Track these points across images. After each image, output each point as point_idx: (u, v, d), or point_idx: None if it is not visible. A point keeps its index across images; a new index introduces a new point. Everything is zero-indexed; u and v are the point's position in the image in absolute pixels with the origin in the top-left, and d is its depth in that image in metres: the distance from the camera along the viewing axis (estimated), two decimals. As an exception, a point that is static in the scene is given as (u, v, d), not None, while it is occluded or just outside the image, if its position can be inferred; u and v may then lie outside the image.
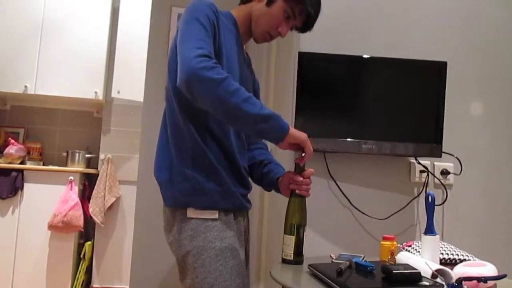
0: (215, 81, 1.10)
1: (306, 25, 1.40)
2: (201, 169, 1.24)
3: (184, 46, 1.16)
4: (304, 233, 1.33)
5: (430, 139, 1.75)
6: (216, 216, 1.24)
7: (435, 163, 1.92)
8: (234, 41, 1.33)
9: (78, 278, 3.31)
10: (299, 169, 1.32)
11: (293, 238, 1.31)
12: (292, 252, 1.31)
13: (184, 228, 1.24)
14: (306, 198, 1.33)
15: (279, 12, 1.34)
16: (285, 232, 1.33)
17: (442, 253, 1.43)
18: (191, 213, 1.24)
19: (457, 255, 1.45)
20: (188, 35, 1.18)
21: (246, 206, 1.35)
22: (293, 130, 1.21)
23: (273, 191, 1.47)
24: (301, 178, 1.30)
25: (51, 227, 3.14)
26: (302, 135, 1.23)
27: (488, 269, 1.17)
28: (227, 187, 1.27)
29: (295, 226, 1.32)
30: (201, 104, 1.16)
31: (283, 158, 1.77)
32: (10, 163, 3.32)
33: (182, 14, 1.27)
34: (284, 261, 1.32)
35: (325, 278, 1.12)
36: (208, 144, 1.25)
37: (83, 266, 3.37)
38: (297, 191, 1.32)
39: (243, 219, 1.36)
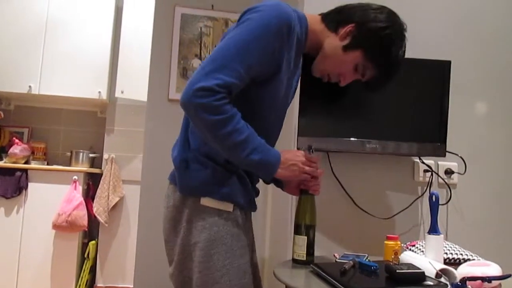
0: (206, 122, 1.07)
1: (371, 86, 1.33)
2: (222, 160, 1.21)
3: (208, 64, 1.07)
4: (314, 233, 1.34)
5: (434, 138, 1.74)
6: (231, 209, 1.21)
7: (439, 162, 1.92)
8: (295, 51, 1.21)
9: (82, 277, 3.32)
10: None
11: (305, 238, 1.32)
12: (305, 252, 1.32)
13: (195, 218, 1.20)
14: None
15: (351, 62, 1.24)
16: (296, 233, 1.33)
17: (446, 253, 1.43)
18: (206, 202, 1.19)
19: (461, 254, 1.44)
20: (227, 51, 1.08)
21: (255, 207, 1.33)
22: (280, 173, 1.19)
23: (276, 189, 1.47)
24: (310, 171, 1.29)
25: (56, 226, 3.15)
26: (291, 174, 1.21)
27: (492, 269, 1.17)
28: (245, 183, 1.25)
29: (307, 226, 1.32)
30: None
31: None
32: (14, 162, 3.33)
33: (252, 11, 1.14)
34: (297, 261, 1.33)
35: (329, 278, 1.12)
36: None
37: (87, 266, 3.38)
38: (307, 187, 1.32)
39: (250, 220, 1.35)
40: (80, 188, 3.30)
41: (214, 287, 1.17)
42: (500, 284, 1.14)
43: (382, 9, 1.26)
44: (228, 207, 1.20)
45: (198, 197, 1.20)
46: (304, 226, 1.32)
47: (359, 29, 1.22)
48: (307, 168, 1.24)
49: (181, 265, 1.24)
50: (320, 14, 1.30)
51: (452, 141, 1.82)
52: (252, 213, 1.35)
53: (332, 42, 1.25)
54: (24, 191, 3.23)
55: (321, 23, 1.28)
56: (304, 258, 1.31)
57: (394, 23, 1.25)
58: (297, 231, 1.33)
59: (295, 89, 1.40)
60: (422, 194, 1.89)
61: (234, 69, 1.07)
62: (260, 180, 1.37)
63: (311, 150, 1.31)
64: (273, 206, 2.26)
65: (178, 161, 1.25)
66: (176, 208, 1.24)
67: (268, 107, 1.24)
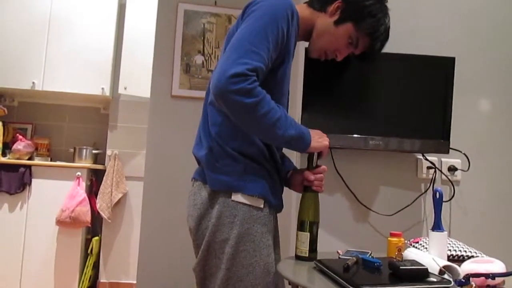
0: (244, 106, 1.09)
1: (364, 56, 1.40)
2: (251, 157, 1.22)
3: (232, 53, 1.11)
4: (318, 230, 1.34)
5: (438, 135, 1.74)
6: (262, 205, 1.21)
7: (443, 159, 1.91)
8: (294, 40, 1.28)
9: (85, 273, 3.34)
10: (311, 166, 1.34)
11: (308, 235, 1.32)
12: (308, 249, 1.32)
13: (225, 214, 1.19)
14: None
15: (344, 35, 1.32)
16: (300, 229, 1.34)
17: (449, 250, 1.43)
18: (237, 197, 1.19)
19: (465, 251, 1.44)
20: (246, 40, 1.12)
21: (282, 206, 1.33)
22: (313, 145, 1.24)
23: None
24: (313, 177, 1.31)
25: (59, 222, 3.16)
26: (322, 145, 1.27)
27: (496, 266, 1.17)
28: (275, 180, 1.27)
29: (310, 223, 1.32)
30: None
31: (292, 152, 1.76)
32: (18, 159, 3.34)
33: (255, 2, 1.20)
34: (299, 258, 1.33)
35: (332, 274, 1.12)
36: (256, 138, 1.23)
37: (90, 261, 3.39)
38: (310, 184, 1.33)
39: (275, 219, 1.33)
40: (83, 184, 3.31)
41: (238, 284, 1.18)
42: (503, 281, 1.14)
43: None
44: (260, 203, 1.21)
45: (229, 193, 1.20)
46: (307, 222, 1.32)
47: (346, 3, 1.31)
48: (326, 139, 1.30)
49: (204, 261, 1.24)
50: (304, 3, 1.38)
51: (455, 138, 1.81)
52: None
53: (323, 20, 1.33)
54: (27, 187, 3.24)
55: (308, 8, 1.36)
56: (307, 255, 1.31)
57: None
58: (301, 227, 1.33)
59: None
60: (426, 191, 1.89)
61: (258, 54, 1.11)
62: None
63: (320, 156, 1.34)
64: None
65: (207, 157, 1.24)
66: (204, 205, 1.23)
67: (278, 92, 1.26)
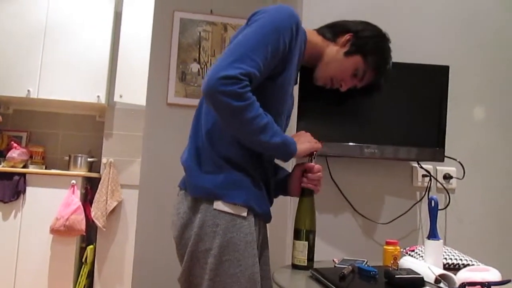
0: (231, 108, 1.09)
1: (367, 90, 1.44)
2: (237, 164, 1.21)
3: (228, 55, 1.12)
4: (314, 238, 1.34)
5: (433, 143, 1.75)
6: (245, 214, 1.19)
7: (438, 167, 1.92)
8: (297, 59, 1.29)
9: (80, 282, 3.31)
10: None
11: (306, 244, 1.31)
12: (306, 257, 1.31)
13: (207, 223, 1.17)
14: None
15: (352, 66, 1.36)
16: (296, 238, 1.33)
17: (445, 258, 1.43)
18: (219, 206, 1.18)
19: (461, 260, 1.44)
20: (244, 45, 1.14)
21: (270, 217, 1.31)
22: (299, 150, 1.25)
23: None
24: (312, 165, 1.34)
25: (53, 230, 3.14)
26: (306, 148, 1.28)
27: (492, 274, 1.17)
28: (260, 189, 1.25)
29: (307, 231, 1.32)
30: None
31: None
32: (12, 166, 3.32)
33: (261, 12, 1.21)
34: (297, 267, 1.32)
35: (328, 283, 1.12)
36: (244, 146, 1.22)
37: (85, 270, 3.36)
38: (308, 185, 1.34)
39: (262, 230, 1.31)
40: (78, 193, 3.29)
41: None
42: (499, 290, 1.14)
43: (366, 22, 1.44)
44: (243, 211, 1.19)
45: (211, 201, 1.19)
46: (304, 231, 1.32)
47: (357, 37, 1.37)
48: (314, 140, 1.34)
49: (188, 272, 1.21)
50: (314, 29, 1.43)
51: (450, 146, 1.82)
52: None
53: (333, 49, 1.38)
54: (22, 195, 3.22)
55: (318, 35, 1.40)
56: (305, 264, 1.31)
57: (380, 32, 1.43)
58: (297, 236, 1.33)
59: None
60: (421, 199, 1.89)
61: (253, 60, 1.12)
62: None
63: (313, 156, 1.34)
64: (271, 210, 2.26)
65: (189, 162, 1.24)
66: (187, 214, 1.22)
67: (276, 105, 1.27)
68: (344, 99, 1.60)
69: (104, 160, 3.66)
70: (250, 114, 1.11)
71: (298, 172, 1.38)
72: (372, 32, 1.40)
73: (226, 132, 1.21)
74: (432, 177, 1.89)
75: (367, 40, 1.37)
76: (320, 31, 1.41)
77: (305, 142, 1.30)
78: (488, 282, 1.09)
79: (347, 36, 1.36)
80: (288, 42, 1.20)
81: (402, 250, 1.51)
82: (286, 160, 1.27)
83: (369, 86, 1.44)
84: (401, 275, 1.08)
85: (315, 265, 1.31)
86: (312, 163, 1.35)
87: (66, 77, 3.53)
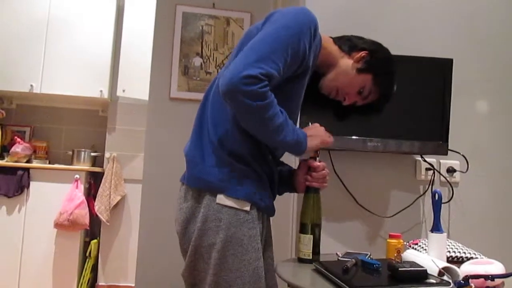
0: (251, 108, 1.10)
1: (369, 108, 1.48)
2: (241, 158, 1.21)
3: (249, 54, 1.13)
4: (320, 232, 1.34)
5: (436, 136, 1.74)
6: (248, 208, 1.19)
7: (441, 160, 1.91)
8: (312, 61, 1.30)
9: (84, 276, 3.33)
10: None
11: (311, 237, 1.32)
12: (311, 251, 1.31)
13: (210, 218, 1.17)
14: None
15: (360, 83, 1.38)
16: (302, 232, 1.33)
17: (449, 251, 1.43)
18: (222, 200, 1.18)
19: (464, 253, 1.44)
20: (267, 45, 1.14)
21: (273, 210, 1.31)
22: (309, 146, 1.26)
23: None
24: (317, 163, 1.35)
25: (57, 225, 3.16)
26: (316, 144, 1.29)
27: (495, 267, 1.17)
28: (264, 183, 1.25)
29: (313, 225, 1.32)
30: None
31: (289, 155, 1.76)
32: (16, 161, 3.34)
33: (283, 11, 1.23)
34: (302, 260, 1.32)
35: (331, 276, 1.12)
36: (249, 140, 1.22)
37: (89, 264, 3.39)
38: (313, 183, 1.34)
39: (266, 224, 1.31)
40: (81, 187, 3.30)
41: None
42: (503, 282, 1.14)
43: (380, 44, 1.46)
44: (245, 205, 1.19)
45: (214, 194, 1.19)
46: (309, 224, 1.32)
47: (371, 56, 1.38)
48: (327, 134, 1.34)
49: (192, 266, 1.21)
50: (330, 37, 1.44)
51: (454, 139, 1.81)
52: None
53: (347, 62, 1.39)
54: (26, 190, 3.24)
55: (334, 45, 1.41)
56: (311, 257, 1.31)
57: (391, 56, 1.45)
58: (303, 229, 1.33)
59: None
60: (424, 193, 1.89)
61: (274, 61, 1.13)
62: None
63: (317, 152, 1.36)
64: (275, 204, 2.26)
65: (193, 154, 1.25)
66: (190, 209, 1.22)
67: (289, 103, 1.29)
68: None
69: (107, 154, 3.68)
70: (268, 113, 1.13)
71: (303, 169, 1.38)
72: (385, 54, 1.43)
73: (232, 127, 1.21)
74: (435, 171, 1.88)
75: (381, 62, 1.40)
76: (337, 41, 1.42)
77: (316, 137, 1.30)
78: (491, 275, 1.09)
79: (362, 53, 1.38)
80: (308, 46, 1.21)
81: (405, 243, 1.51)
82: (298, 156, 1.31)
83: (372, 104, 1.47)
84: (405, 268, 1.08)
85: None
86: (316, 163, 1.35)
87: (69, 72, 3.54)
